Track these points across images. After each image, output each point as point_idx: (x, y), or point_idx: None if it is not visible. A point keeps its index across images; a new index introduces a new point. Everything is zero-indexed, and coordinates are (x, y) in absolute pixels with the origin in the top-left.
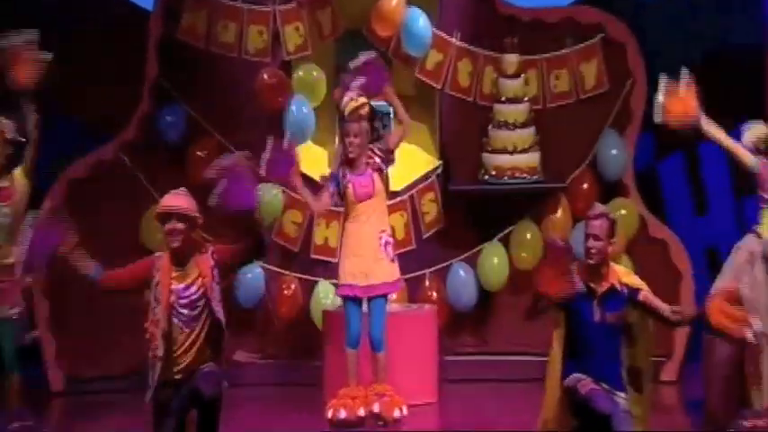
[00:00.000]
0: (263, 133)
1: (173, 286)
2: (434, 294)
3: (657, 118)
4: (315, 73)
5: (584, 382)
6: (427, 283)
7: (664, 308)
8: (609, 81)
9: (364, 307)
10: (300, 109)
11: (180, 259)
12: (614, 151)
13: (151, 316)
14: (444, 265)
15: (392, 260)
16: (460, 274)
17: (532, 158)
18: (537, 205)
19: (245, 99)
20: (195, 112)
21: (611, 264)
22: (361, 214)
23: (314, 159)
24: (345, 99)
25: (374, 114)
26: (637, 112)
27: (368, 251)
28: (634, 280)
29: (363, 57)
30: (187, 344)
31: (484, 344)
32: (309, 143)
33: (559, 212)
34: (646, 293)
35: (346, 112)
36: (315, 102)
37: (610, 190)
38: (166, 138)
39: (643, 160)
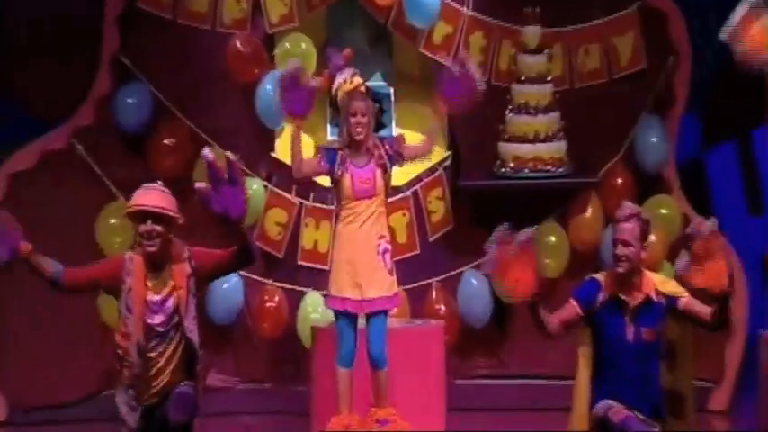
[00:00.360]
0: (241, 118)
1: (147, 297)
2: (442, 307)
3: (724, 37)
4: (303, 45)
5: (615, 410)
6: (434, 294)
7: (705, 312)
8: (647, 57)
9: (360, 322)
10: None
11: (155, 264)
12: (654, 139)
13: (122, 327)
14: (454, 273)
15: (390, 271)
16: (473, 283)
17: (557, 148)
18: (563, 203)
19: (220, 78)
20: (161, 94)
21: (645, 271)
22: (358, 215)
23: (304, 147)
24: (338, 81)
25: (373, 96)
26: (680, 94)
27: (363, 259)
28: (672, 287)
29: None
30: (161, 363)
31: (500, 365)
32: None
33: (589, 211)
34: (687, 300)
35: (344, 93)
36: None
37: (648, 185)
38: (127, 123)
39: (688, 150)
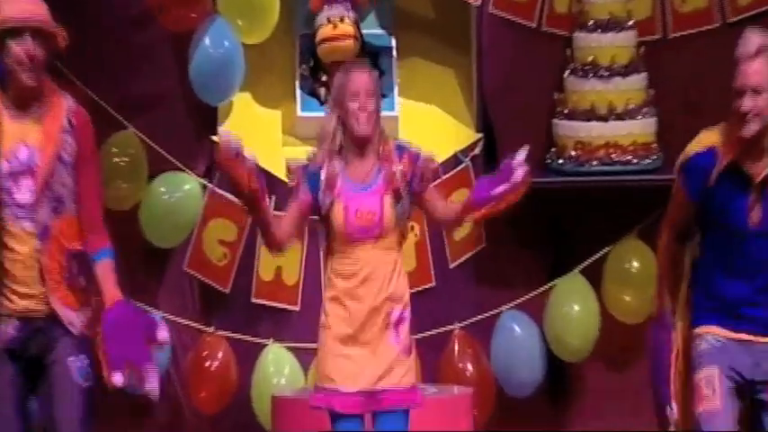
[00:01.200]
0: (170, 86)
1: (2, 145)
2: (469, 367)
3: None
4: None
5: (704, 394)
6: (456, 347)
7: None
8: None
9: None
10: (219, 40)
11: (20, 105)
12: None
13: None
14: (486, 315)
15: (407, 349)
16: (514, 330)
17: (642, 128)
18: (650, 211)
19: (139, 27)
20: None
21: None
22: (357, 265)
23: (264, 127)
24: (319, 21)
25: (366, 50)
26: None
27: (366, 334)
28: None
29: None
30: (31, 260)
31: None
32: (249, 99)
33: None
34: None
35: (323, 52)
36: (259, 34)
37: None
38: None
39: None
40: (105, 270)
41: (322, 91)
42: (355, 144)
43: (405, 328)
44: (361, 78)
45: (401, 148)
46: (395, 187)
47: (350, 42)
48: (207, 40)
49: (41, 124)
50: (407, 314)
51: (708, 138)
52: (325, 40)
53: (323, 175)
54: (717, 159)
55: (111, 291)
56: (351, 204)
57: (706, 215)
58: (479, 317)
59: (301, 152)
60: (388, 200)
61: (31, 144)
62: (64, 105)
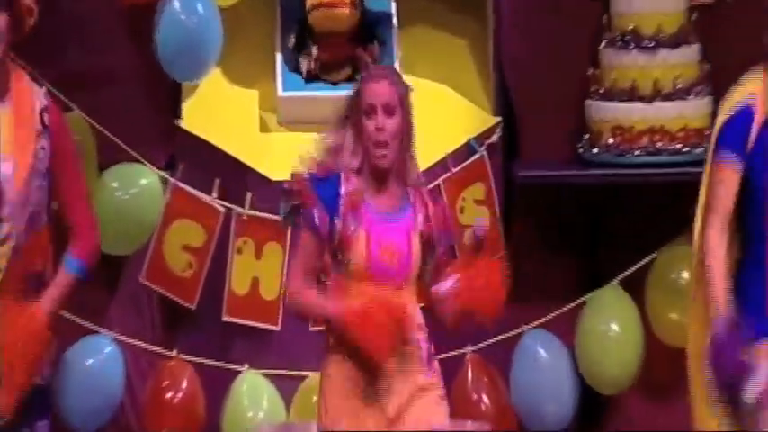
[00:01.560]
0: (125, 63)
1: None
2: (485, 399)
3: None
4: None
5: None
6: (469, 374)
7: None
8: None
9: None
10: (191, 3)
11: None
12: None
13: None
14: (505, 336)
15: (440, 382)
16: (540, 355)
17: (695, 111)
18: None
19: None
20: None
21: None
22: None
23: (238, 109)
24: None
25: (367, 19)
26: None
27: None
28: None
29: None
30: None
31: None
32: (219, 76)
33: None
34: None
35: (315, 20)
36: None
37: None
38: None
39: None
40: (60, 280)
41: (305, 64)
42: (373, 174)
43: (435, 361)
44: (379, 89)
45: (434, 194)
46: (426, 230)
47: (346, 10)
48: (176, 4)
49: (11, 130)
50: (429, 344)
51: (741, 93)
52: (317, 5)
53: (343, 191)
54: (755, 110)
55: (43, 298)
56: (373, 233)
57: (747, 185)
58: (497, 338)
59: (283, 139)
60: (416, 239)
61: (2, 156)
62: (36, 104)
